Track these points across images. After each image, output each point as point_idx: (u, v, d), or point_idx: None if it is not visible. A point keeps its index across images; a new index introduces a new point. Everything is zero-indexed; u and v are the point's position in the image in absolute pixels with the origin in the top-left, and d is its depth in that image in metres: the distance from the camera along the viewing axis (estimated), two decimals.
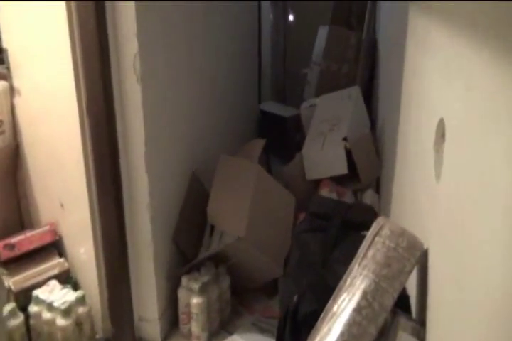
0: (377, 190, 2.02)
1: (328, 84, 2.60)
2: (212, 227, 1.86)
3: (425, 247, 1.02)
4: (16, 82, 1.77)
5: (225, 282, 1.81)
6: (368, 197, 1.90)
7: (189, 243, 1.85)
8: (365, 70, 2.63)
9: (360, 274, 1.02)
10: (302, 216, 1.79)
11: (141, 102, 1.50)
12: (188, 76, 1.86)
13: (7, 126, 1.82)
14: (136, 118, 1.54)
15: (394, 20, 1.94)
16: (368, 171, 1.99)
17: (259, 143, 2.03)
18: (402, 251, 1.01)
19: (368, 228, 1.14)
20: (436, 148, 0.97)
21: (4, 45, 1.76)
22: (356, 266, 1.04)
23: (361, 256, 1.05)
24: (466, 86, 0.79)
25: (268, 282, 1.87)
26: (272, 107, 3.16)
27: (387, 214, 1.65)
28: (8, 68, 1.78)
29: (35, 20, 1.59)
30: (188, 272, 1.77)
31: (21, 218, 1.96)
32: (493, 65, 0.66)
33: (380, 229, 1.05)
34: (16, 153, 1.88)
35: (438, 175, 0.95)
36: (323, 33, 2.79)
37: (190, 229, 1.87)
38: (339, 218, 1.38)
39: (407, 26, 1.48)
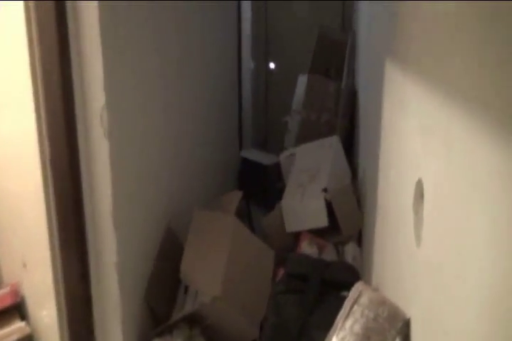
0: (359, 242, 1.93)
1: (309, 133, 2.57)
2: (187, 285, 1.73)
3: (407, 316, 0.93)
4: None
5: None
6: (350, 251, 1.81)
7: (162, 303, 1.72)
8: (345, 119, 2.61)
9: None
10: (281, 271, 1.68)
11: (109, 157, 1.42)
12: (161, 128, 1.80)
13: None
14: (103, 173, 1.46)
15: (371, 73, 1.93)
16: (350, 223, 1.90)
17: (237, 195, 1.95)
18: (382, 322, 0.91)
19: (348, 288, 1.05)
20: (415, 209, 0.89)
21: None
22: (334, 339, 0.94)
23: (339, 326, 0.95)
24: (445, 144, 0.73)
25: None
26: (253, 155, 3.11)
27: (369, 272, 1.55)
28: None
29: (2, 65, 1.53)
30: (159, 335, 1.63)
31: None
32: (470, 121, 0.61)
33: (359, 296, 0.95)
34: None
35: (418, 238, 0.87)
36: (302, 81, 2.79)
37: (163, 287, 1.75)
38: (317, 278, 1.29)
39: (383, 83, 1.45)
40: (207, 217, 1.80)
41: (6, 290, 1.70)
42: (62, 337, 1.60)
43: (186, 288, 1.73)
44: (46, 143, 1.43)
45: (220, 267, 1.64)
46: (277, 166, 2.64)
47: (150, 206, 1.74)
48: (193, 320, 1.65)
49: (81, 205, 1.46)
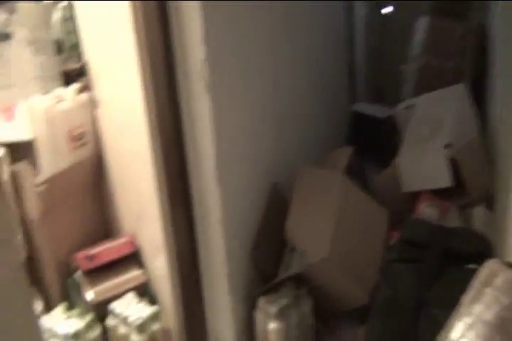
0: (490, 206, 1.67)
1: (429, 82, 2.26)
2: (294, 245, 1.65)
3: None
4: (97, 94, 1.72)
5: (307, 305, 1.60)
6: (478, 216, 1.57)
7: (268, 261, 1.67)
8: (474, 65, 2.25)
9: (463, 337, 0.76)
10: (396, 235, 1.52)
11: (210, 112, 1.35)
12: (263, 83, 1.68)
13: (90, 138, 1.78)
14: (205, 128, 1.39)
15: None
16: (477, 183, 1.65)
17: (346, 152, 1.79)
18: None
19: (475, 261, 0.87)
20: None
21: (86, 58, 1.72)
22: (459, 324, 0.78)
23: (464, 309, 0.79)
24: None
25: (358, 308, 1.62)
26: (366, 108, 2.87)
27: (503, 243, 1.32)
28: (89, 80, 1.74)
29: (109, 32, 1.51)
30: (265, 293, 1.59)
31: (106, 228, 1.93)
32: None
33: (492, 276, 0.77)
34: (99, 165, 1.84)
35: None
36: (422, 24, 2.44)
37: (269, 245, 1.69)
38: (439, 247, 1.11)
39: None
40: (313, 174, 1.67)
41: (123, 240, 1.77)
42: (173, 289, 1.64)
43: (293, 247, 1.66)
44: (151, 101, 1.40)
45: (328, 227, 1.53)
46: (393, 119, 2.40)
47: (254, 162, 1.66)
48: (299, 280, 1.57)
49: (185, 162, 1.43)
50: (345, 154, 1.84)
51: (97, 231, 1.88)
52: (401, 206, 1.73)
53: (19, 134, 1.72)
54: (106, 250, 1.73)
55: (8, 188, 1.68)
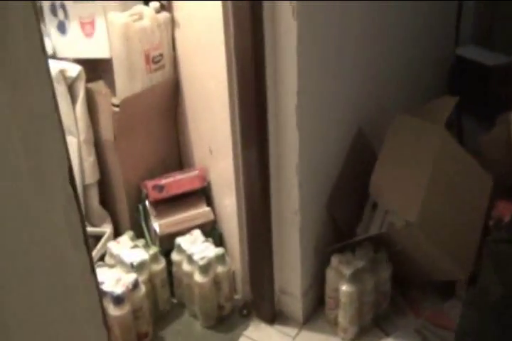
0: None
1: None
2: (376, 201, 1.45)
3: None
4: (177, 14, 1.51)
5: (385, 271, 1.43)
6: None
7: (345, 214, 1.49)
8: None
9: None
10: (503, 205, 1.27)
11: (296, 42, 1.11)
12: (357, 19, 1.39)
13: (167, 60, 1.61)
14: (290, 61, 1.17)
15: None
16: None
17: (450, 102, 1.50)
18: None
19: None
20: None
21: None
22: None
23: None
24: None
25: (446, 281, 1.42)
26: (473, 53, 2.45)
27: None
28: None
29: None
30: (340, 251, 1.42)
31: (178, 159, 1.81)
32: None
33: None
34: (175, 89, 1.68)
35: None
36: None
37: (348, 197, 1.50)
38: None
39: None
40: (410, 125, 1.42)
41: (194, 173, 1.65)
42: (241, 231, 1.52)
43: (375, 204, 1.46)
44: (231, 22, 1.18)
45: (419, 186, 1.31)
46: (506, 68, 2.02)
47: (339, 105, 1.43)
48: (379, 242, 1.39)
49: (263, 96, 1.23)
50: (447, 105, 1.54)
51: (169, 160, 1.78)
52: (510, 172, 1.46)
53: (97, 51, 1.60)
54: (176, 182, 1.63)
55: (84, 107, 1.58)
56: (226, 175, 1.49)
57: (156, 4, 1.53)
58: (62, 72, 1.53)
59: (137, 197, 1.66)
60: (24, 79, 0.56)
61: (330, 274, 1.42)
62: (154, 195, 1.61)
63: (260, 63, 1.19)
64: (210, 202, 1.64)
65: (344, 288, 1.37)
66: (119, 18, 1.49)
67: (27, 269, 0.62)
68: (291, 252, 1.44)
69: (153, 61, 1.56)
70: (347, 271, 1.34)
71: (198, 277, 1.49)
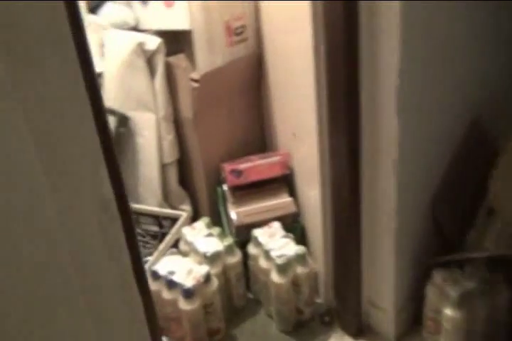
0: None
1: None
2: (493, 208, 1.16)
3: None
4: None
5: (503, 297, 1.14)
6: None
7: (452, 219, 1.23)
8: None
9: None
10: None
11: (399, 14, 0.87)
12: None
13: (250, 33, 1.45)
14: (390, 32, 0.92)
15: None
16: None
17: None
18: None
19: None
20: None
21: None
22: None
23: None
24: None
25: None
26: None
27: None
28: None
29: None
30: (444, 265, 1.17)
31: (260, 142, 1.67)
32: None
33: None
34: (258, 65, 1.52)
35: None
36: None
37: (456, 199, 1.23)
38: None
39: None
40: None
41: (276, 158, 1.50)
42: (325, 228, 1.34)
43: (491, 209, 1.17)
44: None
45: None
46: None
47: (448, 90, 1.14)
48: (496, 259, 1.11)
49: (354, 78, 1.01)
50: None
51: (251, 141, 1.65)
52: None
53: (177, 22, 1.49)
54: (255, 167, 1.49)
55: (163, 82, 1.49)
56: (310, 162, 1.31)
57: None
58: (140, 45, 1.46)
59: (217, 179, 1.57)
60: None
61: (431, 292, 1.18)
62: (232, 179, 1.49)
63: (353, 36, 0.97)
64: (292, 192, 1.48)
65: (448, 312, 1.13)
66: None
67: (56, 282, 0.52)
68: (384, 260, 1.23)
69: (234, 33, 1.42)
70: (453, 293, 1.09)
71: (275, 276, 1.35)
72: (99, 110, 0.54)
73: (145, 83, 1.48)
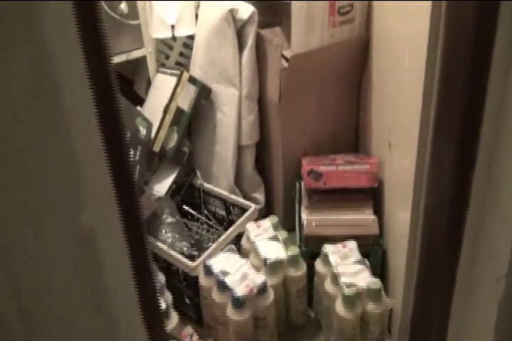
0: None
1: None
2: None
3: None
4: None
5: None
6: None
7: None
8: None
9: None
10: None
11: None
12: None
13: (358, 13, 1.26)
14: None
15: None
16: None
17: None
18: None
19: None
20: None
21: None
22: None
23: None
24: None
25: None
26: None
27: None
28: None
29: None
30: None
31: (356, 137, 1.47)
32: None
33: None
34: (363, 51, 1.33)
35: None
36: None
37: None
38: None
39: None
40: None
41: (364, 167, 1.30)
42: (410, 257, 1.13)
43: None
44: None
45: None
46: None
47: None
48: None
49: (484, 76, 0.77)
50: None
51: (341, 136, 1.48)
52: None
53: None
54: (339, 173, 1.32)
55: (252, 57, 1.35)
56: (405, 178, 1.10)
57: None
58: (232, 12, 1.34)
59: (297, 172, 1.42)
60: None
61: None
62: (309, 181, 1.33)
63: (485, 38, 0.74)
64: (377, 209, 1.28)
65: None
66: None
67: None
68: (478, 328, 0.99)
69: (339, 12, 1.23)
70: None
71: (340, 308, 1.18)
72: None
73: (231, 55, 1.37)
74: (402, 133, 1.10)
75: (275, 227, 1.35)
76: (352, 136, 1.48)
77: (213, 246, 1.32)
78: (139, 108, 1.68)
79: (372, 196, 1.30)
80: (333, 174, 1.30)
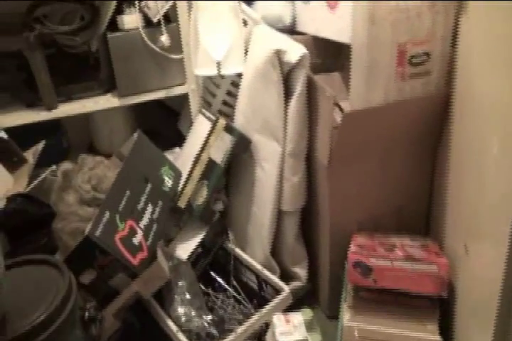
0: None
1: None
2: None
3: None
4: None
5: None
6: None
7: None
8: None
9: None
10: None
11: None
12: None
13: (436, 65, 0.98)
14: None
15: None
16: None
17: None
18: None
19: None
20: None
21: None
22: None
23: None
24: None
25: None
26: None
27: None
28: None
29: None
30: None
31: (427, 215, 1.18)
32: None
33: None
34: (442, 110, 1.03)
35: None
36: None
37: None
38: None
39: None
40: None
41: (430, 268, 1.00)
42: None
43: None
44: None
45: None
46: None
47: None
48: None
49: None
50: None
51: (408, 211, 1.20)
52: None
53: (337, 32, 1.16)
54: (396, 271, 1.03)
55: (301, 107, 1.12)
56: (487, 292, 0.80)
57: None
58: (278, 54, 1.13)
59: (346, 246, 1.17)
60: None
61: None
62: (355, 276, 1.07)
63: None
64: (444, 326, 0.97)
65: None
66: None
67: None
68: None
69: (410, 62, 0.97)
70: None
71: None
72: None
73: (275, 103, 1.16)
74: (481, 240, 0.81)
75: (308, 326, 1.10)
76: (421, 209, 1.18)
77: (231, 337, 1.10)
78: (177, 150, 1.51)
79: (440, 306, 1.00)
80: (388, 271, 1.02)
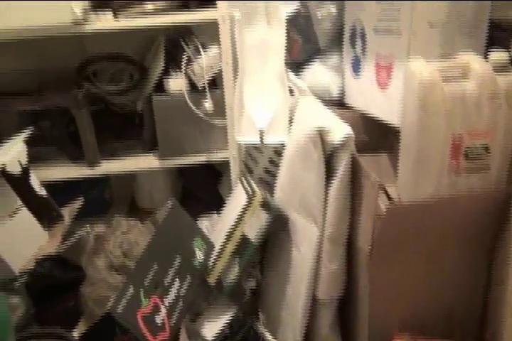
0: None
1: None
2: None
3: None
4: None
5: None
6: None
7: None
8: None
9: None
10: None
11: None
12: None
13: (496, 160, 0.89)
14: None
15: None
16: None
17: None
18: None
19: None
20: None
21: None
22: None
23: None
24: None
25: None
26: None
27: None
28: None
29: None
30: None
31: (482, 320, 1.05)
32: None
33: None
34: (502, 208, 0.93)
35: None
36: None
37: None
38: None
39: None
40: None
41: None
42: None
43: None
44: None
45: None
46: None
47: None
48: None
49: None
50: None
51: (456, 317, 1.08)
52: None
53: (386, 112, 1.09)
54: None
55: (344, 190, 1.05)
56: None
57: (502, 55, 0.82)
58: (320, 133, 1.06)
59: None
60: None
61: None
62: None
63: None
64: None
65: None
66: (420, 67, 0.88)
67: None
68: None
69: (466, 156, 0.88)
70: None
71: None
72: None
73: (314, 183, 1.10)
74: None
75: None
76: (474, 316, 1.05)
77: None
78: (215, 216, 1.47)
79: None
80: None
